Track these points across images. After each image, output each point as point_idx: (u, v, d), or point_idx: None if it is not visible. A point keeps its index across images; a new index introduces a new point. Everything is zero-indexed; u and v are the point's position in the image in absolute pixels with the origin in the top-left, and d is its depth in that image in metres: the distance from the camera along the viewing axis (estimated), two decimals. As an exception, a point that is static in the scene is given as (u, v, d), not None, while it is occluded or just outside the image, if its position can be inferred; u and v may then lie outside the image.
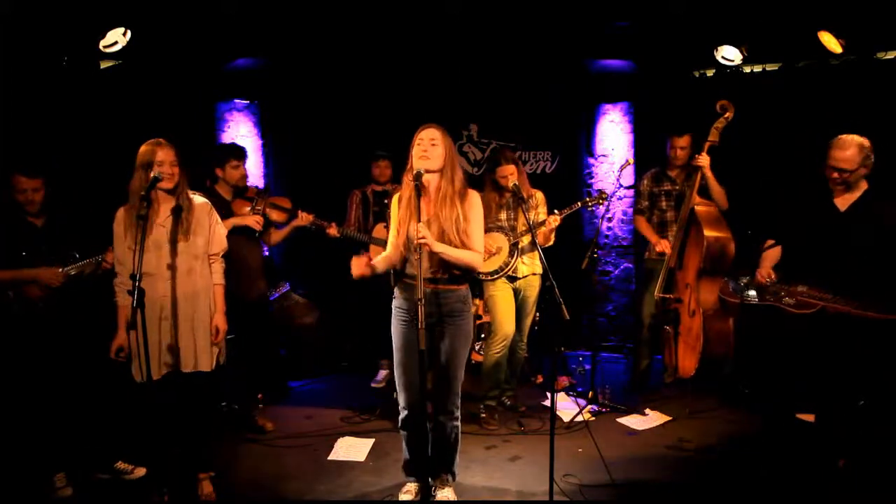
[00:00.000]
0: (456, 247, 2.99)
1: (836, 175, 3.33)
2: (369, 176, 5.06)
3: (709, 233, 4.18)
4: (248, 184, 4.34)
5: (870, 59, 4.58)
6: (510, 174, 4.13)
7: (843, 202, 3.39)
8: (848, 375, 3.35)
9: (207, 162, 4.15)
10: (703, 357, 4.14)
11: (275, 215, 4.33)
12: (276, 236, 4.41)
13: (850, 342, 3.29)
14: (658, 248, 4.48)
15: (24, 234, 3.39)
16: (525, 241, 4.23)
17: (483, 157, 6.10)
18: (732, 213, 4.40)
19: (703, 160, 4.31)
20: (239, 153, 4.17)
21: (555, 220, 4.15)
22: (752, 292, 3.59)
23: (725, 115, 4.33)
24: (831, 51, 4.45)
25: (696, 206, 4.33)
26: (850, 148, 3.29)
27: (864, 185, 3.36)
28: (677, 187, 4.61)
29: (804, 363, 3.50)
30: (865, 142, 3.31)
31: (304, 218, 4.35)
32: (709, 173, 4.33)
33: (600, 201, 4.34)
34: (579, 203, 4.33)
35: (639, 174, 5.43)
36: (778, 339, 3.62)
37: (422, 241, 2.82)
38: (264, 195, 4.28)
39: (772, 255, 3.65)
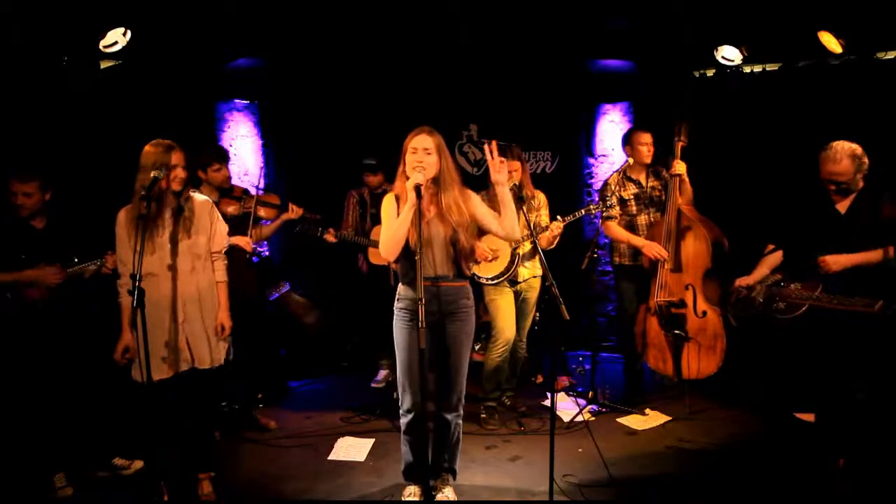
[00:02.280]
0: (464, 245, 3.06)
1: (833, 187, 3.32)
2: (362, 177, 5.06)
3: (709, 231, 4.20)
4: (234, 183, 4.40)
5: (870, 59, 4.57)
6: (514, 170, 4.09)
7: (842, 205, 3.39)
8: (844, 373, 3.35)
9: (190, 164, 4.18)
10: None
11: (263, 212, 4.38)
12: (266, 231, 4.46)
13: (841, 339, 3.29)
14: (651, 254, 4.28)
15: (24, 237, 3.39)
16: (526, 246, 4.20)
17: (483, 156, 6.08)
18: (733, 214, 4.40)
19: (681, 167, 4.27)
20: (221, 156, 4.20)
21: (557, 228, 4.13)
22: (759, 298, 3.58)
23: (689, 119, 4.35)
24: (831, 51, 4.45)
25: (681, 207, 4.31)
26: (844, 160, 3.26)
27: (860, 185, 3.35)
28: (644, 190, 4.52)
29: (800, 363, 3.50)
30: (857, 149, 3.29)
31: (294, 211, 4.40)
32: (685, 177, 4.31)
33: (603, 208, 4.31)
34: (583, 210, 4.30)
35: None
36: (773, 341, 3.62)
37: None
38: (250, 194, 4.35)
39: (770, 261, 3.64)
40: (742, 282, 3.64)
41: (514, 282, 4.26)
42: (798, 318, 3.36)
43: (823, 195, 3.42)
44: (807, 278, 3.38)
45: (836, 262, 3.25)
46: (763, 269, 3.64)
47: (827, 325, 3.29)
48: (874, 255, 3.23)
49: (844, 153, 3.27)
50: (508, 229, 3.09)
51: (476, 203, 3.13)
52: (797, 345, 3.49)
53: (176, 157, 3.07)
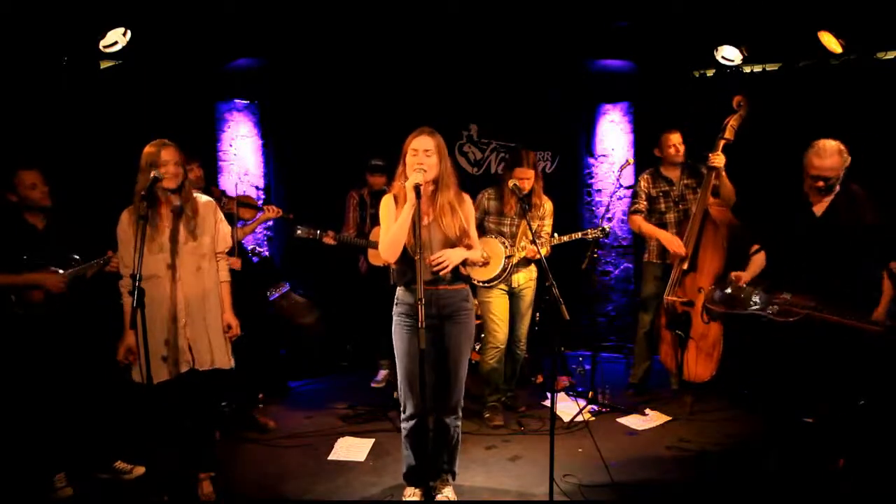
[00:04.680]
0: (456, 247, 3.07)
1: (821, 184, 3.32)
2: (366, 177, 5.07)
3: (730, 236, 4.14)
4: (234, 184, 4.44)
5: (870, 59, 4.58)
6: (527, 178, 4.07)
7: (819, 207, 3.40)
8: (840, 378, 3.36)
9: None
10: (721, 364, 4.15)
11: (243, 212, 4.42)
12: (245, 231, 4.47)
13: (837, 347, 3.30)
14: (672, 249, 4.33)
15: (25, 237, 3.39)
16: (519, 255, 4.19)
17: (483, 156, 6.10)
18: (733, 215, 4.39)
19: (720, 160, 4.22)
20: (191, 156, 4.19)
21: (547, 244, 4.18)
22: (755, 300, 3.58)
23: (740, 113, 4.25)
24: (831, 51, 4.45)
25: (709, 207, 4.27)
26: (833, 155, 3.28)
27: (836, 188, 3.38)
28: (675, 188, 4.57)
29: (796, 368, 3.49)
30: (842, 146, 3.31)
31: (273, 210, 4.44)
32: (723, 172, 4.27)
33: (600, 236, 4.29)
34: (580, 234, 4.29)
35: (639, 174, 5.41)
36: (767, 346, 3.62)
37: (441, 264, 2.94)
38: (228, 195, 4.38)
39: (758, 260, 3.64)
40: (739, 275, 3.63)
41: (509, 286, 4.26)
42: (792, 323, 3.36)
43: (801, 196, 3.43)
44: (796, 290, 3.38)
45: (882, 313, 3.26)
46: (754, 268, 3.63)
47: (825, 331, 3.29)
48: (888, 290, 3.25)
49: (833, 149, 3.29)
50: (476, 258, 3.17)
51: (468, 210, 3.13)
52: (787, 351, 3.48)
53: (167, 154, 3.05)
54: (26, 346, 3.33)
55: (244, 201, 4.48)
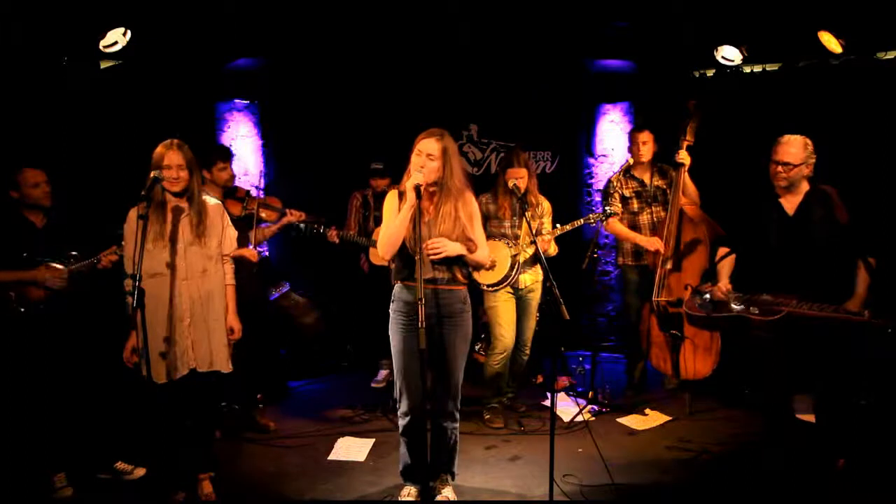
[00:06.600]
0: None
1: (780, 169, 3.33)
2: (368, 180, 5.07)
3: (709, 231, 4.19)
4: (237, 185, 4.43)
5: (870, 59, 4.57)
6: (520, 178, 4.08)
7: (789, 205, 3.39)
8: (828, 372, 3.37)
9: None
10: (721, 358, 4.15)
11: (265, 214, 4.40)
12: (266, 233, 4.46)
13: (820, 341, 3.30)
14: (652, 248, 4.35)
15: (24, 234, 3.39)
16: (525, 255, 4.19)
17: (483, 156, 6.10)
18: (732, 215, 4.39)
19: (686, 157, 4.30)
20: (225, 155, 4.20)
21: (550, 234, 4.18)
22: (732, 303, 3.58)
23: (695, 117, 4.36)
24: (831, 51, 4.44)
25: (683, 206, 4.32)
26: (795, 144, 3.32)
27: (805, 186, 3.37)
28: (647, 189, 4.58)
29: (782, 366, 3.48)
30: (809, 141, 3.35)
31: (294, 214, 4.41)
32: (688, 177, 4.35)
33: (603, 219, 4.32)
34: (581, 220, 4.29)
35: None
36: (752, 347, 3.62)
37: (435, 250, 2.94)
38: (252, 196, 4.36)
39: (727, 265, 3.65)
40: (727, 286, 3.61)
41: (515, 288, 4.26)
42: (773, 322, 3.36)
43: (768, 192, 3.44)
44: (773, 290, 3.38)
45: (859, 303, 3.26)
46: (725, 275, 3.64)
47: (808, 327, 3.30)
48: (864, 278, 3.28)
49: (796, 140, 3.33)
50: (480, 259, 3.16)
51: (472, 212, 3.12)
52: (770, 351, 3.48)
53: (169, 158, 3.05)
54: (27, 344, 3.33)
55: (267, 203, 4.44)
